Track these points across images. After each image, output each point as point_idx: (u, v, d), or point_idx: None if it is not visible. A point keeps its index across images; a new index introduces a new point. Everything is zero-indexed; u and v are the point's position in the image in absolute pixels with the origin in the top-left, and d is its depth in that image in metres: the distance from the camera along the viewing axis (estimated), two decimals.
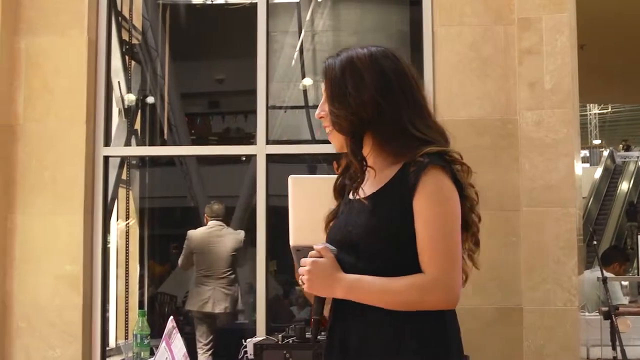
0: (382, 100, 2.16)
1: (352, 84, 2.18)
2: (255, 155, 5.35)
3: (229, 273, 7.84)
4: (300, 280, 2.23)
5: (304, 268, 2.18)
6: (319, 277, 2.16)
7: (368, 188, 2.20)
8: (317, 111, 2.30)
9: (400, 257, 2.12)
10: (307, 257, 2.19)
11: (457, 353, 2.19)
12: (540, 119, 4.80)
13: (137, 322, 4.02)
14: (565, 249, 4.71)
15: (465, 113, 4.92)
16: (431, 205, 2.09)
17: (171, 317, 4.17)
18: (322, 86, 2.29)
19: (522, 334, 4.73)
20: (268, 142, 5.33)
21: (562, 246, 4.72)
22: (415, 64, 2.31)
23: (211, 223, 7.89)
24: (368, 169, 2.20)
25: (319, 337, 2.25)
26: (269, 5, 5.44)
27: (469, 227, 2.20)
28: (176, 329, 4.02)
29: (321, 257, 2.17)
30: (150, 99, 7.26)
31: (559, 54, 4.83)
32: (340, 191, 2.36)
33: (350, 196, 2.26)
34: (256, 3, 5.42)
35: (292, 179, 2.72)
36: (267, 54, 5.34)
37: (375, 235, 2.13)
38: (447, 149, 2.20)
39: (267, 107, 5.31)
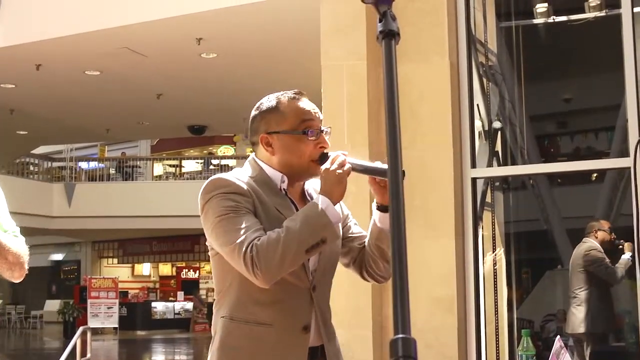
0: None
1: None
2: (628, 168, 5.08)
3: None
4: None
5: None
6: None
7: None
8: None
9: None
10: None
11: None
12: None
13: (522, 342, 4.00)
14: None
15: None
16: None
17: (558, 336, 4.10)
18: None
19: None
20: None
21: None
22: None
23: None
24: None
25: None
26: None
27: None
28: (564, 348, 3.94)
29: None
30: (498, 124, 7.24)
31: None
32: None
33: None
34: (617, 14, 5.20)
35: None
36: (635, 65, 5.07)
37: None
38: None
39: None
